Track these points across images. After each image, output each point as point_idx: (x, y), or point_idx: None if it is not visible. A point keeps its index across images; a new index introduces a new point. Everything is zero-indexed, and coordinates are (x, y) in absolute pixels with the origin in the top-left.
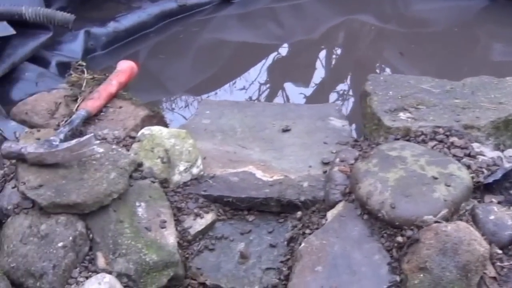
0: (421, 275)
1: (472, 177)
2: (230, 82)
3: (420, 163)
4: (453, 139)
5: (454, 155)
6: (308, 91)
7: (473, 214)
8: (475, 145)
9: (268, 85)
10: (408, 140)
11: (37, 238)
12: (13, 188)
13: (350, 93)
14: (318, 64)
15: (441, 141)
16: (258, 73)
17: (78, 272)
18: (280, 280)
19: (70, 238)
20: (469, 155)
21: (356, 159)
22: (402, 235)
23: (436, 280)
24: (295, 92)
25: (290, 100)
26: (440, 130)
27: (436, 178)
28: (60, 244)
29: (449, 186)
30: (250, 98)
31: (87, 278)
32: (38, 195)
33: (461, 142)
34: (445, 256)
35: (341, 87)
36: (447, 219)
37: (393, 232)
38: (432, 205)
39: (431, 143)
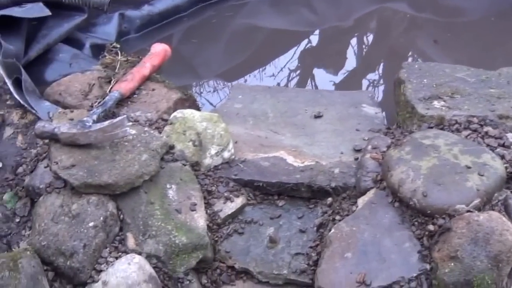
0: (452, 264)
1: (506, 167)
2: (261, 68)
3: (453, 152)
4: (487, 128)
5: (488, 145)
6: (340, 78)
7: (506, 204)
8: (509, 135)
9: (299, 72)
10: (442, 129)
11: (68, 218)
12: (45, 167)
13: (383, 80)
14: (350, 52)
15: (475, 131)
16: (289, 59)
17: (108, 252)
18: (309, 265)
19: (101, 218)
20: (503, 145)
21: (388, 147)
22: (433, 224)
23: (467, 269)
24: (326, 79)
25: (322, 87)
26: (475, 119)
27: (469, 167)
28: (91, 224)
29: (482, 175)
30: (279, 84)
31: (116, 258)
32: (70, 175)
33: (495, 132)
34: (477, 245)
35: (374, 74)
36: (480, 208)
37: (424, 221)
38: (465, 194)
39: (465, 132)
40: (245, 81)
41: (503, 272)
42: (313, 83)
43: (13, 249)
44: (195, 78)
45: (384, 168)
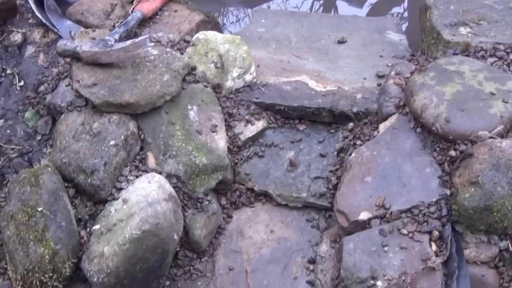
0: (472, 189)
1: None
2: None
3: (478, 78)
4: None
5: None
6: (364, 3)
7: None
8: None
9: (322, 1)
10: (467, 55)
11: (90, 136)
12: (67, 86)
13: (407, 7)
14: None
15: (501, 58)
16: None
17: (128, 171)
18: (328, 189)
19: (122, 137)
20: None
21: (412, 73)
22: (455, 149)
23: (487, 195)
24: (350, 4)
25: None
26: (501, 46)
27: (493, 94)
28: (112, 143)
29: (506, 102)
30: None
31: (137, 177)
32: (92, 93)
33: None
34: (498, 171)
35: (399, 0)
36: (502, 135)
37: (446, 146)
38: (488, 120)
39: (491, 59)
40: (268, 7)
41: None
42: (338, 8)
43: (34, 166)
44: (218, 4)
45: (407, 94)
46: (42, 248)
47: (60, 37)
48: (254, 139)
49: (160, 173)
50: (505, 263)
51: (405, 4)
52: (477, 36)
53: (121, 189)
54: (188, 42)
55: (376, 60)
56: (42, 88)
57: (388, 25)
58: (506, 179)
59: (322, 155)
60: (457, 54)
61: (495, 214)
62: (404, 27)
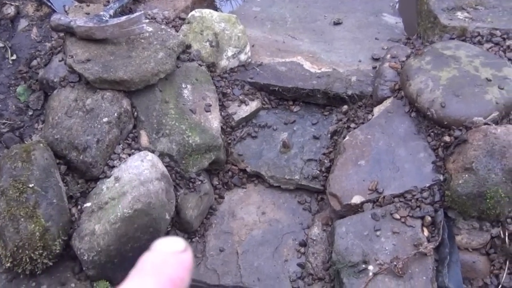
0: (466, 175)
1: None
2: None
3: (474, 64)
4: (510, 42)
5: (509, 59)
6: None
7: None
8: None
9: None
10: (463, 40)
11: (82, 112)
12: (60, 61)
13: None
14: None
15: (497, 44)
16: None
17: (121, 149)
18: (321, 171)
19: (115, 114)
20: None
21: (408, 57)
22: (449, 135)
23: (481, 181)
24: None
25: None
26: (498, 32)
27: (489, 80)
28: (105, 120)
29: (502, 89)
30: None
31: (129, 155)
32: (85, 69)
33: None
34: (492, 158)
35: None
36: (497, 122)
37: (441, 131)
38: (483, 106)
39: (487, 45)
40: None
41: None
42: None
43: (26, 142)
44: None
45: (403, 77)
46: (33, 225)
47: (54, 11)
48: (247, 119)
49: (153, 151)
50: (496, 250)
51: None
52: (474, 21)
53: (113, 167)
54: (183, 19)
55: (371, 42)
56: (34, 62)
57: (384, 8)
58: (500, 166)
59: (315, 137)
60: (453, 38)
61: (488, 200)
62: (400, 10)
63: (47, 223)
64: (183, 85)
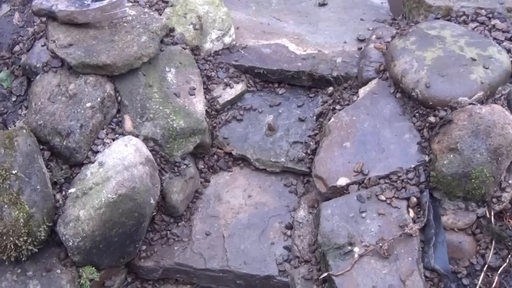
0: (451, 155)
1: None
2: None
3: (459, 43)
4: (495, 21)
5: (494, 38)
6: None
7: (509, 98)
8: None
9: None
10: (448, 20)
11: (65, 97)
12: (42, 46)
13: None
14: None
15: (482, 23)
16: None
17: (105, 134)
18: (307, 154)
19: (99, 99)
20: (510, 39)
21: (393, 38)
22: (434, 115)
23: (466, 161)
24: None
25: None
26: (483, 11)
27: (474, 60)
28: (88, 105)
29: (487, 68)
30: None
31: (113, 140)
32: (68, 54)
33: (503, 26)
34: (477, 138)
35: None
36: (482, 101)
37: (426, 112)
38: (468, 86)
39: (472, 25)
40: None
41: (502, 166)
42: None
43: (9, 128)
44: None
45: (388, 58)
46: (17, 212)
47: None
48: (232, 102)
49: (137, 136)
50: (482, 230)
51: None
52: (459, 0)
53: (97, 152)
54: (166, 2)
55: (357, 23)
56: (17, 48)
57: None
58: (485, 146)
59: (301, 120)
60: (438, 18)
61: (473, 181)
62: None
63: (31, 210)
64: (167, 69)
